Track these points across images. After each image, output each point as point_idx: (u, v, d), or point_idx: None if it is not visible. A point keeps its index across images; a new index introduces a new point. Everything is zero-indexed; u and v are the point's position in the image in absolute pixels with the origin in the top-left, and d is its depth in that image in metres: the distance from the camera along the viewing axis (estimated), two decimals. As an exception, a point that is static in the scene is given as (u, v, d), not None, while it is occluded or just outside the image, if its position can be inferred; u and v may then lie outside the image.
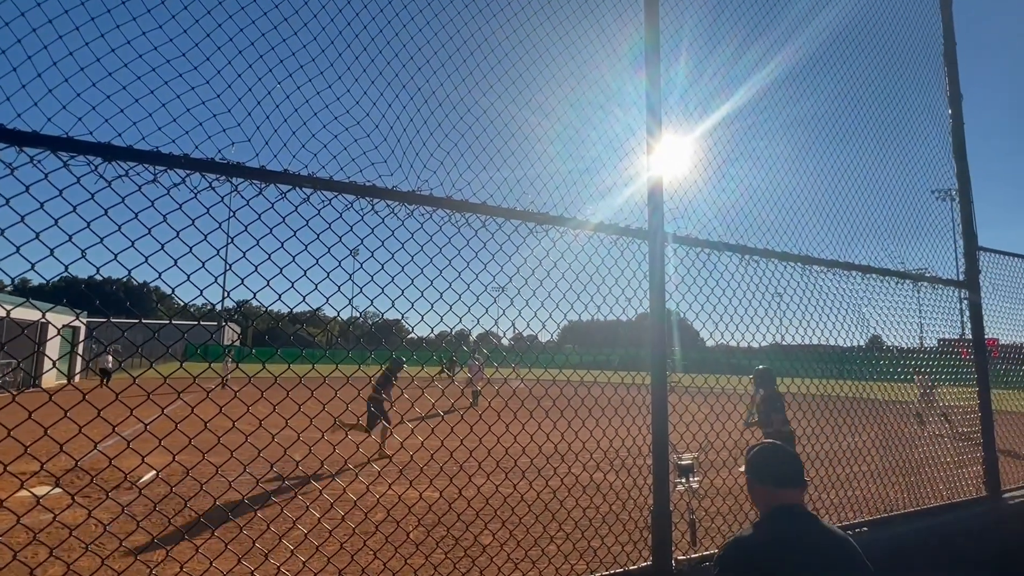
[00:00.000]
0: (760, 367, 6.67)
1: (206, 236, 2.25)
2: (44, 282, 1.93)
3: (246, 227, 2.34)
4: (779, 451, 2.08)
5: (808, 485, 2.06)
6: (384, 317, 2.73)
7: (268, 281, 2.35)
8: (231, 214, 2.38)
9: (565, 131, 3.22)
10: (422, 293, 2.63)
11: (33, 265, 1.95)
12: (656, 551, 2.82)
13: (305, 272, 2.43)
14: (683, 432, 3.37)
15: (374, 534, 3.57)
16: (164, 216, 2.17)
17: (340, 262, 2.52)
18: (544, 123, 3.12)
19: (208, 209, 2.26)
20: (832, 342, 4.14)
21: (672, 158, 3.41)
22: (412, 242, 2.62)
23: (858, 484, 4.05)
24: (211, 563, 2.56)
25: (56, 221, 1.99)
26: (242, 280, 2.33)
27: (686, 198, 3.54)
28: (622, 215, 3.21)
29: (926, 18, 5.18)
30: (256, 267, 2.41)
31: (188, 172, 2.20)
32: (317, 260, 2.42)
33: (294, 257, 2.37)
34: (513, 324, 3.06)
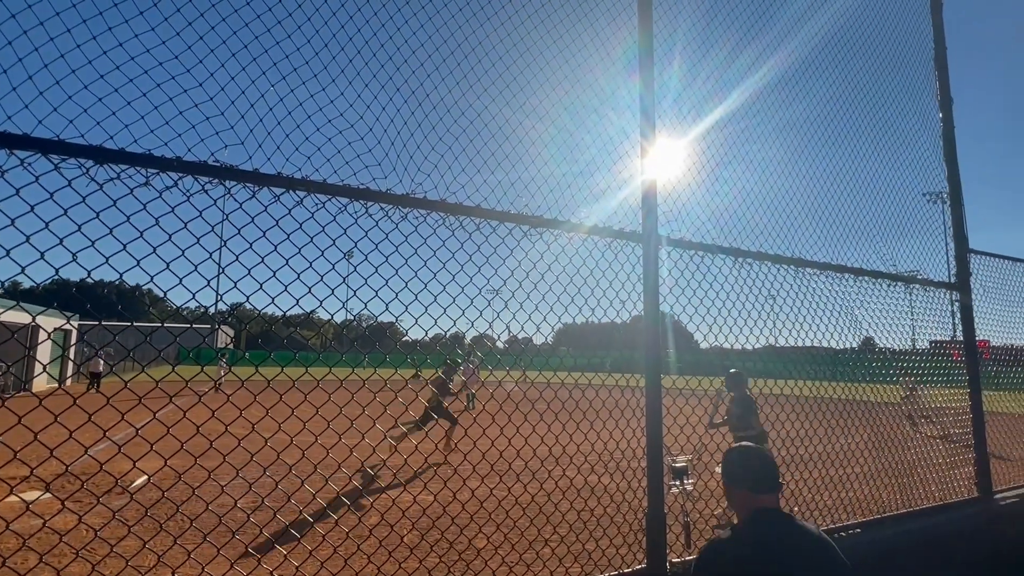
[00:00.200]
0: (732, 370, 6.60)
1: (199, 239, 2.24)
2: (35, 285, 1.91)
3: (239, 230, 2.33)
4: (755, 455, 2.10)
5: (783, 487, 2.08)
6: (378, 320, 2.72)
7: (261, 284, 2.34)
8: (224, 217, 2.38)
9: (559, 134, 3.23)
10: (416, 296, 2.62)
11: (23, 268, 1.94)
12: (650, 554, 2.82)
13: (299, 275, 2.42)
14: (677, 435, 3.37)
15: (368, 538, 3.56)
16: (156, 219, 2.15)
17: (334, 265, 2.52)
18: (538, 126, 3.13)
19: (201, 212, 2.26)
20: (825, 344, 4.16)
21: (666, 161, 3.43)
22: (406, 245, 2.62)
23: (851, 486, 4.07)
24: (203, 568, 2.54)
25: (47, 224, 1.97)
26: (235, 283, 2.31)
27: (680, 201, 3.56)
28: (616, 218, 3.22)
29: (917, 23, 5.23)
30: (249, 270, 2.39)
31: (181, 175, 2.19)
32: (311, 263, 2.42)
33: (287, 260, 2.36)
34: (507, 327, 3.06)
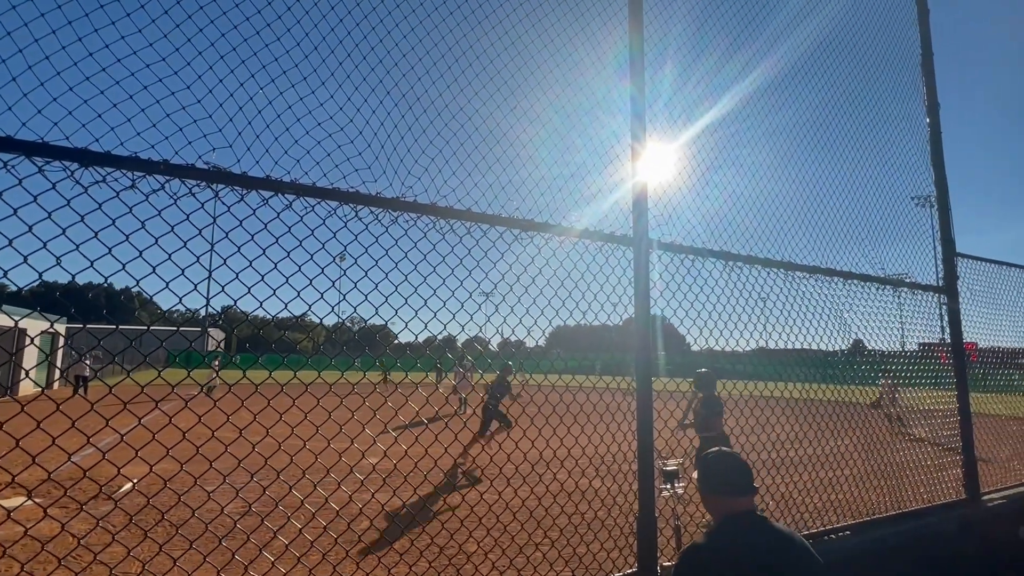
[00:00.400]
0: (701, 370, 6.53)
1: (186, 243, 2.22)
2: (17, 289, 1.88)
3: (227, 234, 2.31)
4: (730, 460, 2.13)
5: (758, 491, 2.10)
6: (368, 324, 2.70)
7: (249, 288, 2.31)
8: (213, 220, 2.35)
9: (551, 137, 3.23)
10: (406, 300, 2.61)
11: (6, 272, 1.91)
12: (641, 557, 2.82)
13: (287, 279, 2.40)
14: (668, 438, 3.38)
15: (357, 543, 3.53)
16: (143, 223, 2.13)
17: (323, 269, 2.50)
18: (530, 129, 3.13)
19: (188, 215, 2.23)
20: (815, 346, 4.19)
21: (657, 165, 3.44)
22: (396, 248, 2.61)
23: (841, 488, 4.09)
24: (189, 575, 2.50)
25: (30, 228, 1.95)
26: (223, 287, 2.29)
27: (671, 204, 3.57)
28: (608, 221, 3.22)
29: (904, 30, 5.29)
30: (237, 274, 2.37)
31: (167, 178, 2.17)
32: (300, 267, 2.40)
33: (276, 264, 2.34)
34: (498, 330, 3.05)
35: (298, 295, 2.39)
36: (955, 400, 4.80)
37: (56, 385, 26.64)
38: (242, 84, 2.30)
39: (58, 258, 1.95)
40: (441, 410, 15.17)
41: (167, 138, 2.15)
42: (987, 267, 5.60)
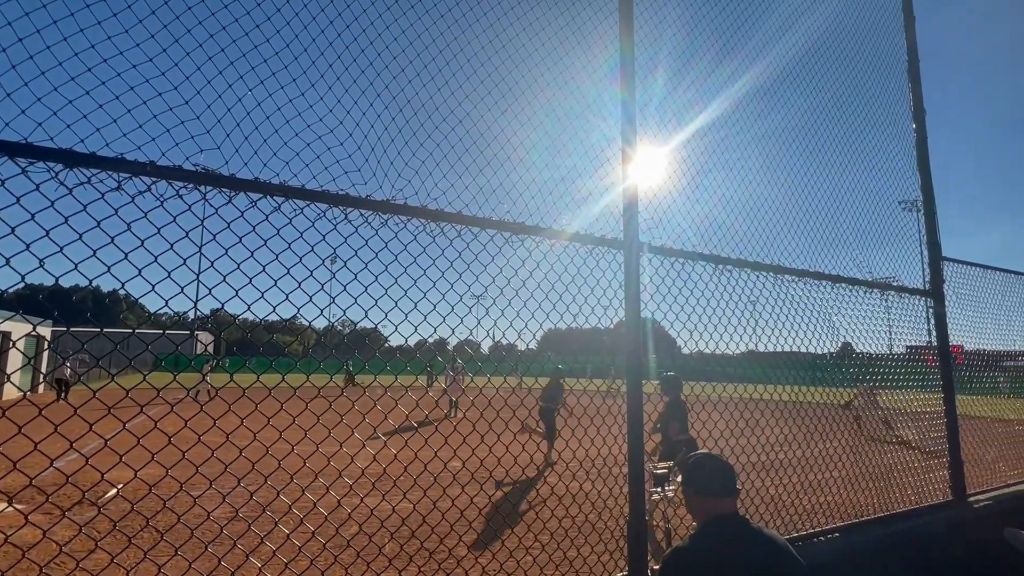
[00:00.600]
0: (668, 373, 6.48)
1: (172, 245, 2.19)
2: (1, 292, 1.84)
3: (215, 236, 2.29)
4: (714, 462, 2.15)
5: (740, 492, 2.13)
6: (358, 327, 2.68)
7: (237, 291, 2.29)
8: (200, 222, 2.33)
9: (542, 140, 3.23)
10: (396, 303, 2.59)
11: (-12, 275, 1.87)
12: (632, 561, 2.81)
13: (276, 282, 2.38)
14: (659, 440, 3.38)
15: (346, 548, 3.50)
16: (128, 224, 2.10)
17: (312, 272, 2.48)
18: (520, 132, 3.13)
19: (175, 217, 2.21)
20: (804, 349, 4.22)
21: (648, 169, 3.45)
22: (386, 251, 2.59)
23: (829, 490, 4.11)
24: (175, 583, 2.47)
25: (13, 230, 1.91)
26: (210, 290, 2.27)
27: (661, 208, 3.58)
28: (598, 225, 3.23)
29: (891, 37, 5.36)
30: (224, 277, 2.35)
31: (154, 179, 2.14)
32: (288, 270, 2.38)
33: (264, 267, 2.32)
34: (489, 334, 3.04)
35: (286, 298, 2.37)
36: (942, 403, 4.85)
37: (41, 389, 26.28)
38: (231, 85, 2.28)
39: (41, 260, 1.92)
40: (431, 414, 15.11)
41: (154, 139, 2.13)
42: (972, 271, 5.68)
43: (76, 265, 1.99)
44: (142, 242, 2.09)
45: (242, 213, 2.29)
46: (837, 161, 4.79)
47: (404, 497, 3.00)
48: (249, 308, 2.36)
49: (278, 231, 2.34)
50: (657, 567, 2.91)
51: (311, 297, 2.47)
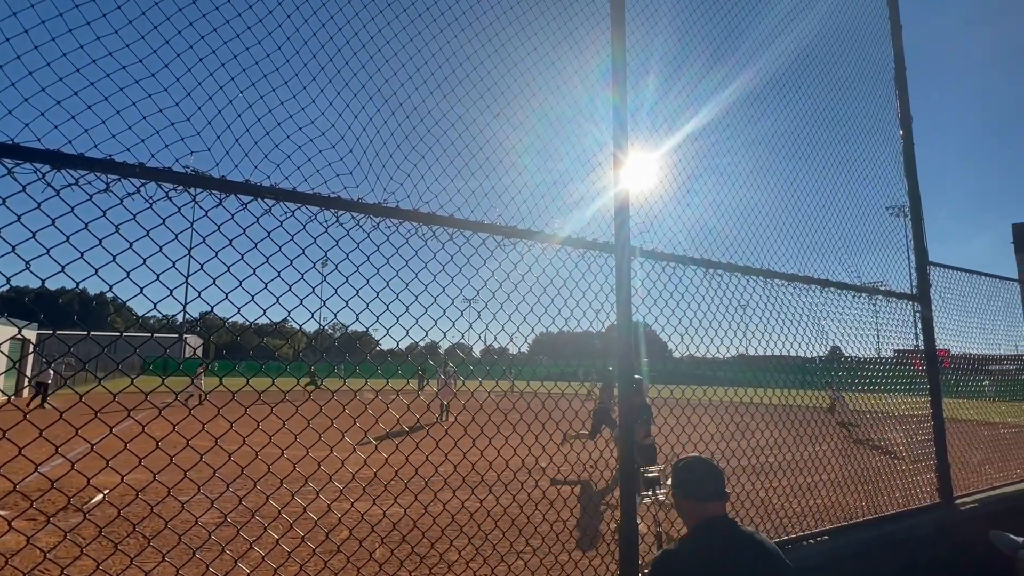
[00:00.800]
0: (636, 376, 6.53)
1: (161, 248, 2.17)
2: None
3: (204, 239, 2.27)
4: (703, 466, 2.16)
5: (730, 496, 2.15)
6: (348, 331, 2.67)
7: (227, 294, 2.27)
8: (190, 225, 2.31)
9: (534, 143, 3.24)
10: (387, 306, 2.59)
11: (-28, 277, 1.85)
12: (623, 564, 2.81)
13: (266, 285, 2.37)
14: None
15: (336, 554, 3.48)
16: (116, 227, 2.08)
17: (303, 275, 2.46)
18: (513, 135, 3.13)
19: (164, 220, 2.19)
20: (794, 353, 4.25)
21: (639, 173, 3.46)
22: (377, 254, 2.58)
23: (818, 493, 4.14)
24: (162, 589, 2.44)
25: (-1, 231, 1.89)
26: (199, 293, 2.25)
27: (652, 212, 3.60)
28: (590, 228, 3.24)
29: (878, 45, 5.43)
30: (214, 280, 2.33)
31: (143, 182, 2.12)
32: (279, 273, 2.36)
33: (255, 270, 2.30)
34: (481, 337, 3.04)
35: (277, 301, 2.36)
36: (928, 406, 4.90)
37: (25, 392, 25.89)
38: (221, 87, 2.27)
39: (27, 262, 1.90)
40: (423, 418, 15.04)
41: (143, 141, 2.11)
42: (958, 275, 5.75)
43: (63, 267, 1.97)
44: (130, 244, 2.07)
45: (232, 216, 2.28)
46: (826, 167, 4.84)
47: (395, 501, 2.99)
48: (239, 311, 2.34)
49: (268, 234, 2.33)
50: (647, 571, 2.92)
51: (301, 300, 2.46)
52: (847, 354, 4.68)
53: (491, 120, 3.03)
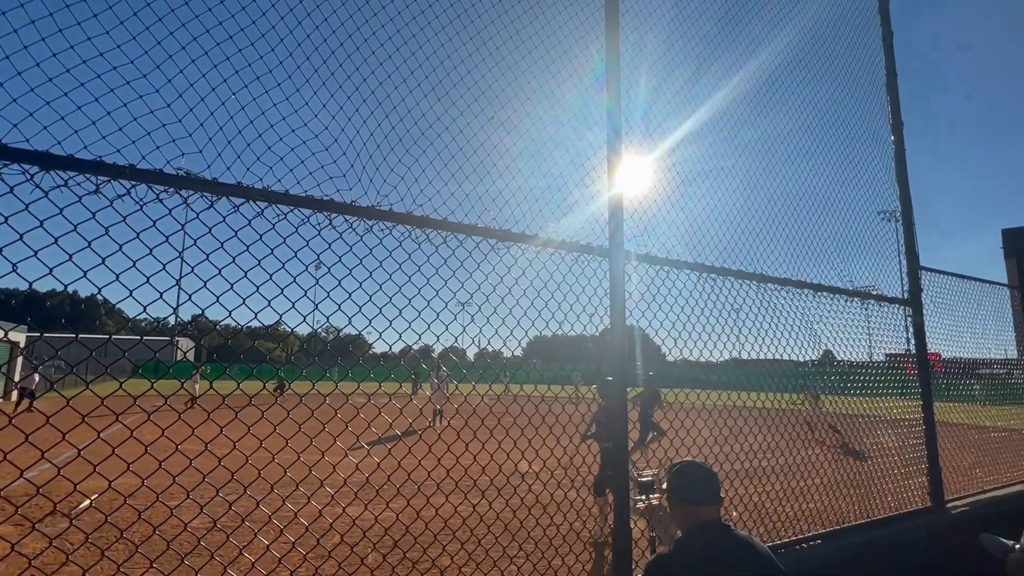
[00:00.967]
0: (607, 379, 6.48)
1: (152, 250, 2.15)
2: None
3: (195, 241, 2.25)
4: (698, 470, 2.17)
5: (724, 501, 2.15)
6: (341, 334, 2.66)
7: (218, 297, 2.25)
8: (181, 227, 2.29)
9: (528, 147, 3.23)
10: (380, 310, 2.57)
11: (-42, 279, 1.82)
12: (616, 569, 2.80)
13: (258, 288, 2.35)
14: (643, 448, 3.38)
15: (327, 559, 3.45)
16: (106, 229, 2.05)
17: (295, 278, 2.44)
18: (507, 139, 3.13)
19: (155, 222, 2.17)
20: (787, 357, 4.26)
21: (633, 177, 3.47)
22: (371, 258, 2.57)
23: (811, 497, 4.15)
24: (150, 597, 2.40)
25: (-15, 233, 1.86)
26: (190, 296, 2.23)
27: (647, 216, 3.60)
28: (584, 231, 3.24)
29: (870, 51, 5.47)
30: (205, 283, 2.31)
31: (134, 183, 2.10)
32: (271, 276, 2.35)
33: (246, 272, 2.28)
34: (474, 341, 3.03)
35: (268, 304, 2.34)
36: (920, 410, 4.93)
37: (13, 396, 25.62)
38: (214, 89, 2.25)
39: (14, 265, 1.87)
40: (415, 422, 14.97)
41: (134, 142, 2.09)
42: (949, 280, 5.79)
43: (51, 270, 1.94)
44: (120, 247, 2.05)
45: (224, 218, 2.26)
46: (819, 172, 4.87)
47: (387, 506, 2.97)
48: (230, 314, 2.32)
49: (260, 236, 2.31)
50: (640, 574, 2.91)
51: (294, 304, 2.44)
52: (839, 358, 4.70)
53: (485, 123, 3.03)
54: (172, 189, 2.17)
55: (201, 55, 2.23)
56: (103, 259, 2.01)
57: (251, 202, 2.30)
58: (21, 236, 1.88)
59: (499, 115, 3.08)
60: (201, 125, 2.22)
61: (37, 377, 20.95)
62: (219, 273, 2.25)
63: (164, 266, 2.25)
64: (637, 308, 3.41)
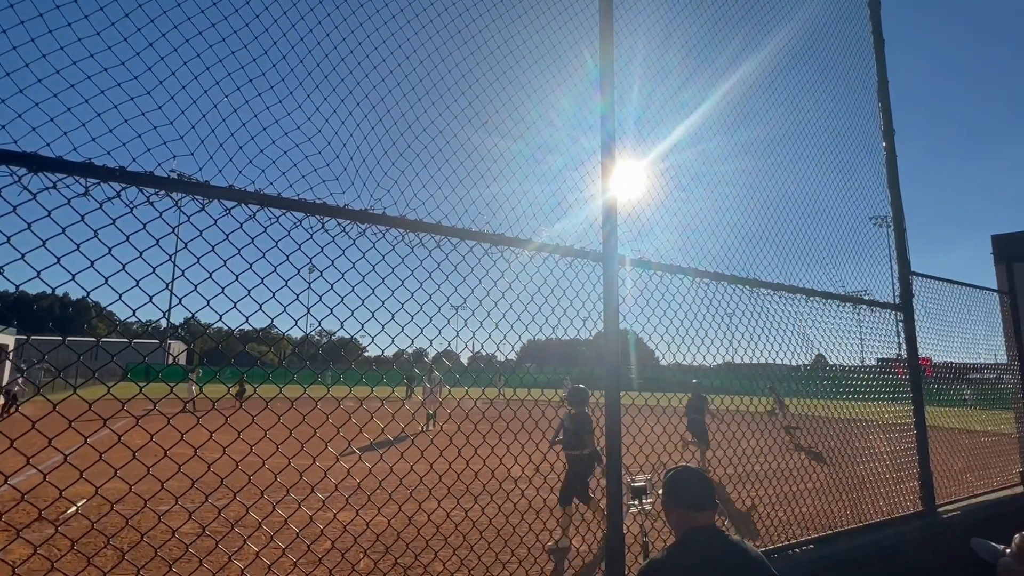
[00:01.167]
0: (577, 385, 6.45)
1: (141, 253, 2.13)
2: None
3: (186, 244, 2.23)
4: (693, 475, 2.19)
5: (718, 507, 2.16)
6: (333, 338, 2.64)
7: (208, 301, 2.23)
8: (172, 230, 2.27)
9: (522, 152, 3.23)
10: (372, 314, 2.55)
11: (-56, 282, 1.79)
12: (610, 574, 2.79)
13: (249, 292, 2.33)
14: (636, 453, 3.37)
15: (318, 565, 3.42)
16: (95, 231, 2.03)
17: (287, 281, 2.43)
18: (501, 143, 3.13)
19: (145, 225, 2.15)
20: (779, 361, 4.27)
21: (627, 181, 3.48)
22: (363, 261, 2.55)
23: (804, 501, 4.16)
24: (138, 604, 2.36)
25: (-29, 235, 1.84)
26: (180, 300, 2.20)
27: (640, 220, 3.61)
28: (578, 235, 3.24)
29: (862, 58, 5.52)
30: (196, 286, 2.29)
31: (124, 186, 2.08)
32: (262, 279, 2.33)
33: (237, 276, 2.27)
34: (468, 345, 3.01)
35: (260, 308, 2.32)
36: (912, 414, 4.95)
37: (0, 400, 25.31)
38: (206, 91, 2.23)
39: (1, 268, 1.85)
40: (408, 427, 14.91)
41: (124, 144, 2.07)
42: (940, 285, 5.84)
43: (39, 273, 1.91)
44: (109, 250, 2.02)
45: (215, 221, 2.24)
46: (811, 178, 4.90)
47: (379, 512, 2.95)
48: (221, 318, 2.30)
49: (252, 240, 2.30)
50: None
51: (285, 308, 2.42)
52: (832, 362, 4.72)
53: (479, 128, 3.02)
54: (163, 192, 2.15)
55: (193, 57, 2.21)
56: (92, 262, 1.99)
57: (243, 205, 2.28)
58: (9, 239, 1.85)
59: (493, 119, 3.08)
60: (193, 127, 2.20)
61: (20, 383, 20.60)
62: (210, 276, 2.23)
63: (154, 269, 2.23)
64: (631, 312, 3.41)
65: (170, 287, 2.28)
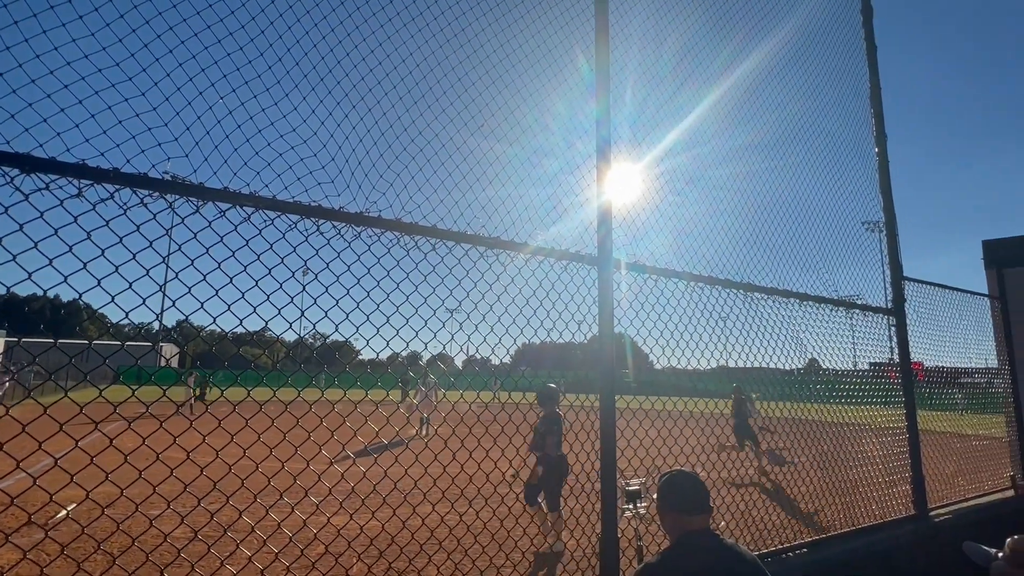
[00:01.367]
0: (550, 385, 6.26)
1: (135, 255, 2.12)
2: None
3: (180, 246, 2.22)
4: (688, 479, 2.18)
5: (714, 511, 2.16)
6: (327, 341, 2.63)
7: (202, 304, 2.22)
8: (166, 232, 2.26)
9: (517, 156, 3.24)
10: (368, 317, 2.55)
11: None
12: (604, 580, 2.79)
13: (243, 294, 2.32)
14: (631, 457, 3.38)
15: (311, 570, 3.39)
16: (88, 233, 2.02)
17: (282, 284, 2.42)
18: (496, 147, 3.13)
19: (139, 226, 2.14)
20: (773, 365, 4.29)
21: (622, 185, 3.49)
22: (359, 264, 2.55)
23: (797, 505, 4.17)
24: (128, 610, 2.34)
25: (-37, 236, 1.82)
26: (174, 302, 2.19)
27: (636, 225, 3.62)
28: (573, 239, 3.24)
29: (855, 63, 5.57)
30: (189, 288, 2.27)
31: (117, 187, 2.07)
32: (257, 282, 2.32)
33: (232, 278, 2.26)
34: (462, 348, 3.02)
35: (254, 310, 2.31)
36: (904, 418, 4.98)
37: (-10, 404, 24.98)
38: (201, 93, 2.23)
39: (-9, 269, 1.83)
40: (402, 430, 14.83)
41: (118, 145, 2.05)
42: (931, 290, 5.88)
43: (30, 275, 1.90)
44: (102, 251, 2.01)
45: (210, 223, 2.23)
46: (805, 182, 4.93)
47: (373, 516, 2.94)
48: (215, 320, 2.29)
49: (247, 242, 2.29)
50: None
51: (280, 310, 2.41)
52: (825, 366, 4.74)
53: (475, 131, 3.03)
54: (157, 193, 2.14)
55: (189, 59, 2.21)
56: (84, 264, 1.98)
57: (237, 207, 2.27)
58: (0, 240, 1.84)
59: (488, 123, 3.08)
60: (187, 129, 2.19)
61: (5, 385, 20.32)
62: (204, 279, 2.22)
63: (148, 271, 2.21)
64: (626, 316, 3.42)
65: (163, 289, 2.26)
